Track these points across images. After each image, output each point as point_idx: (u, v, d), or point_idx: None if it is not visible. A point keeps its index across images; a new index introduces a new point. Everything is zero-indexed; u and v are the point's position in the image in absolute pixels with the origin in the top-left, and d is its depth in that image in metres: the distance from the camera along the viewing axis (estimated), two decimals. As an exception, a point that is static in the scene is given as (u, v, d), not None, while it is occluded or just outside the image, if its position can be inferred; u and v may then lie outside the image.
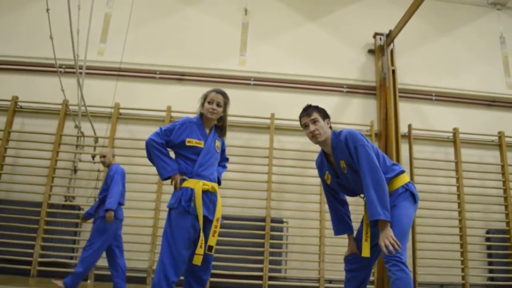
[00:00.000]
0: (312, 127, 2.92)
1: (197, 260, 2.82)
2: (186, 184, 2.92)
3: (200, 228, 2.84)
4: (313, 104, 3.10)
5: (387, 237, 2.62)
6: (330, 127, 3.03)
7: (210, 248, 2.92)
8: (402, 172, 2.91)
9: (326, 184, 3.12)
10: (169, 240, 2.84)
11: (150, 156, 3.09)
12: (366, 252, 2.87)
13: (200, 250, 2.82)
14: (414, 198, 2.85)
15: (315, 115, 2.94)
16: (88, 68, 6.59)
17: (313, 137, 2.91)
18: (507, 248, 6.83)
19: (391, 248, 2.59)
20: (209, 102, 3.12)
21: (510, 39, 8.21)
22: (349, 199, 3.17)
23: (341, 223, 3.08)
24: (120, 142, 6.85)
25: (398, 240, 2.66)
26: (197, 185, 2.89)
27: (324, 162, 3.07)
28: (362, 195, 2.98)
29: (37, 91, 6.97)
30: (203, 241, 2.84)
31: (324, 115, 2.99)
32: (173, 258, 2.79)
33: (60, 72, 6.33)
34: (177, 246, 2.81)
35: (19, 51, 7.21)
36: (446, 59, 7.96)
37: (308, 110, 3.00)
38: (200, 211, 2.85)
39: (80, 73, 6.20)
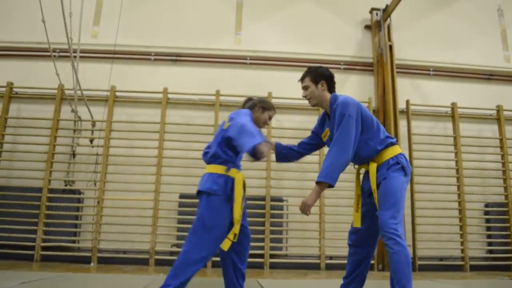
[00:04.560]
0: (303, 93, 3.09)
1: (226, 245, 2.81)
2: (229, 173, 2.90)
3: (239, 217, 2.84)
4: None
5: (304, 204, 2.72)
6: (330, 90, 3.07)
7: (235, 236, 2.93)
8: (393, 144, 2.92)
9: (318, 137, 3.21)
10: (207, 225, 2.80)
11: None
12: (357, 222, 2.93)
13: (232, 237, 2.83)
14: (404, 170, 2.86)
15: (306, 81, 3.06)
16: (82, 51, 6.51)
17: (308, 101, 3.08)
18: (505, 221, 6.89)
19: (302, 212, 2.74)
20: (269, 118, 3.23)
21: (508, 12, 8.12)
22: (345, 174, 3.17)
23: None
24: (118, 125, 6.83)
25: (393, 211, 2.70)
26: (238, 175, 2.89)
27: (326, 120, 3.13)
28: (353, 163, 3.05)
29: (32, 76, 6.89)
30: (238, 231, 2.85)
31: (317, 78, 3.03)
32: (205, 243, 2.77)
33: (54, 56, 6.27)
34: (216, 231, 2.79)
35: (11, 36, 7.11)
36: (443, 33, 7.87)
37: (302, 75, 3.12)
38: (239, 200, 2.85)
39: (75, 56, 6.14)
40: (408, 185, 6.88)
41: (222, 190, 2.85)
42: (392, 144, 2.92)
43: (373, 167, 2.85)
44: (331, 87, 3.06)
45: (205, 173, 2.96)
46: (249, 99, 3.24)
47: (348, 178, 3.20)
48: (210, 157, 2.98)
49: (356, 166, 3.08)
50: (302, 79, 3.09)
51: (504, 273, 6.16)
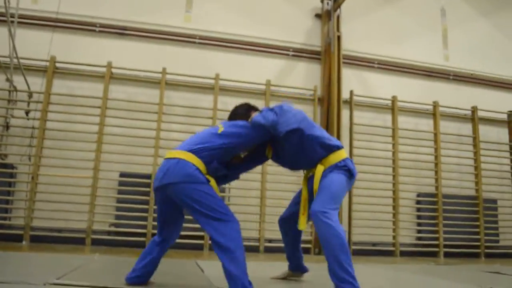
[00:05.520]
0: None
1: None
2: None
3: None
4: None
5: None
6: (257, 109, 3.14)
7: None
8: (339, 147, 2.96)
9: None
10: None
11: None
12: (302, 225, 2.99)
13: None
14: (350, 172, 2.90)
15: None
16: (20, 16, 6.13)
17: None
18: (434, 211, 7.34)
19: None
20: None
21: (450, 12, 8.51)
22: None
23: None
24: (57, 98, 6.50)
25: (329, 198, 2.74)
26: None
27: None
28: (302, 169, 3.16)
29: (-38, 40, 6.39)
30: None
31: (248, 115, 3.03)
32: None
33: (-11, 20, 5.85)
34: None
35: None
36: (390, 28, 8.14)
37: None
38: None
39: (12, 22, 5.74)
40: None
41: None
42: (339, 148, 2.95)
43: (320, 169, 2.88)
44: (256, 109, 3.13)
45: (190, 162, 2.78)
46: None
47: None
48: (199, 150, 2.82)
49: (305, 172, 3.12)
50: None
51: (430, 259, 6.59)
